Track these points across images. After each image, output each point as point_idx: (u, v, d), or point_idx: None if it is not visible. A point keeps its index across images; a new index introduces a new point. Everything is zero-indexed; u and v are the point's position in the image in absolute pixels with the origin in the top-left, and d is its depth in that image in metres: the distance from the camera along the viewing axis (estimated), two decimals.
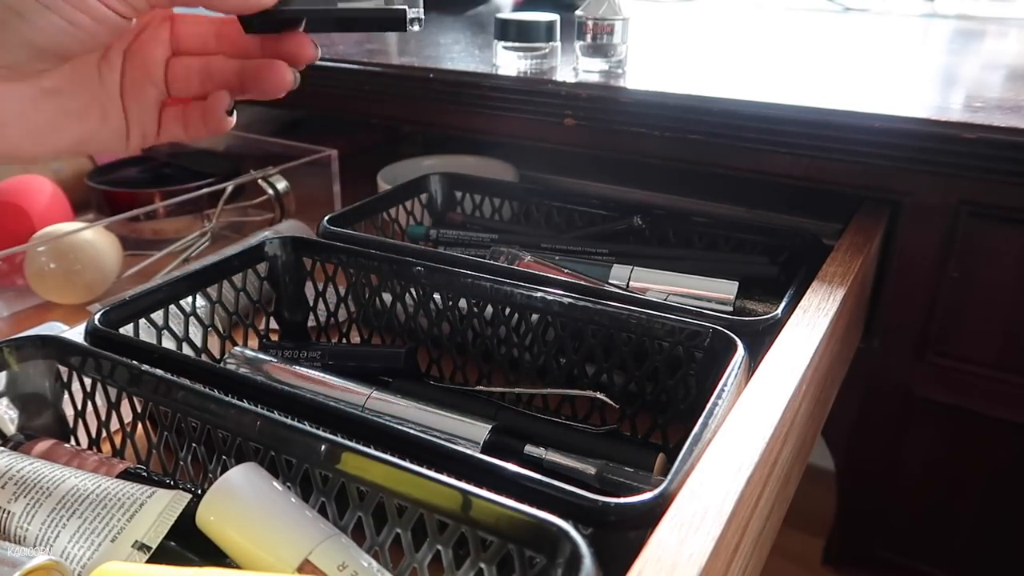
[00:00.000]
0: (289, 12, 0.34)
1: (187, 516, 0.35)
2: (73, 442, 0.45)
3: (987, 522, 0.69)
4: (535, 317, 0.51)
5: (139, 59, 0.37)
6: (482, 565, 0.31)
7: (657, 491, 0.30)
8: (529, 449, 0.42)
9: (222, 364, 0.50)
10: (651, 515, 0.30)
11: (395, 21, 0.34)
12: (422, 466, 0.32)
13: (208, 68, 0.38)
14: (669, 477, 0.31)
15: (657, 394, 0.48)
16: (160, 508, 0.35)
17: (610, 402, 0.47)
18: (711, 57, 0.84)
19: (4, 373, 0.43)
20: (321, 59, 0.39)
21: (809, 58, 0.83)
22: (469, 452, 0.34)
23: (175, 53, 0.38)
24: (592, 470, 0.40)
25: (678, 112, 0.63)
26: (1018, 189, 0.55)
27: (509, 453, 0.41)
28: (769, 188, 0.66)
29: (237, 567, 0.33)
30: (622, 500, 0.30)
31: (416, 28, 0.34)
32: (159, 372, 0.40)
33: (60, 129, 0.35)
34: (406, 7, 0.34)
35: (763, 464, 0.34)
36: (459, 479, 0.31)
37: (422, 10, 0.35)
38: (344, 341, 0.59)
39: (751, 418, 0.36)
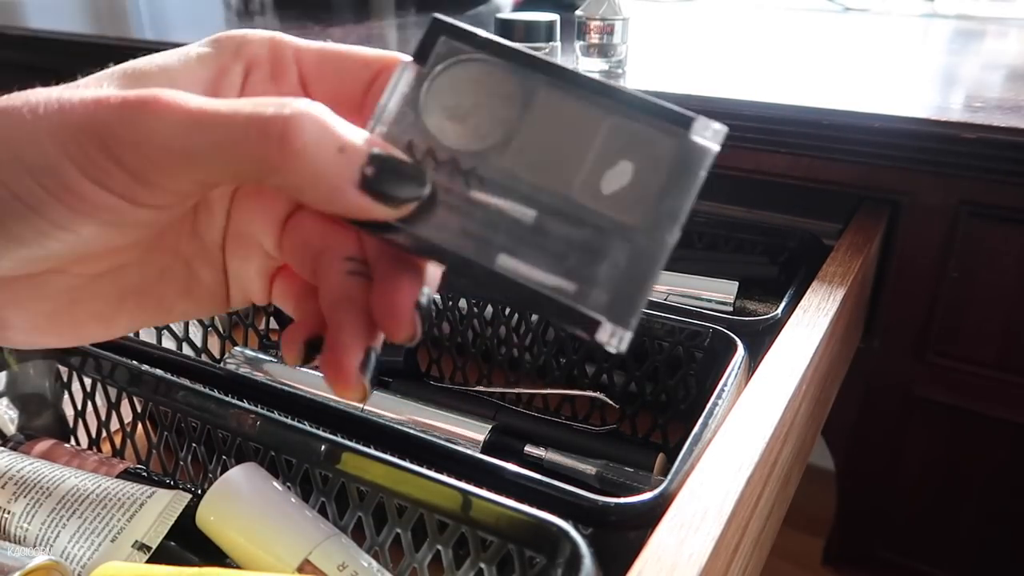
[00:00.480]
0: (410, 242, 0.21)
1: (187, 516, 0.35)
2: (73, 442, 0.45)
3: (987, 522, 0.69)
4: (535, 317, 0.51)
5: (250, 205, 0.24)
6: (482, 565, 0.31)
7: (657, 491, 0.30)
8: (529, 449, 0.42)
9: (222, 364, 0.50)
10: (651, 515, 0.30)
11: (580, 322, 0.21)
12: (422, 466, 0.32)
13: (326, 254, 0.23)
14: (669, 477, 0.31)
15: (657, 394, 0.48)
16: (160, 508, 0.35)
17: (610, 402, 0.47)
18: (711, 57, 0.84)
19: (4, 373, 0.43)
20: None
21: (809, 58, 0.83)
22: (469, 452, 0.34)
23: (298, 206, 0.24)
24: (592, 470, 0.40)
25: None
26: (1018, 189, 0.55)
27: (509, 453, 0.41)
28: (769, 188, 0.66)
29: (237, 567, 0.33)
30: (622, 500, 0.30)
31: (612, 349, 0.21)
32: (159, 372, 0.40)
33: (116, 314, 0.23)
34: (603, 318, 0.20)
35: (763, 464, 0.34)
36: (459, 479, 0.31)
37: (629, 332, 0.20)
38: None
39: (751, 418, 0.36)
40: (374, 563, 0.32)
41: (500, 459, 0.33)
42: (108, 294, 0.23)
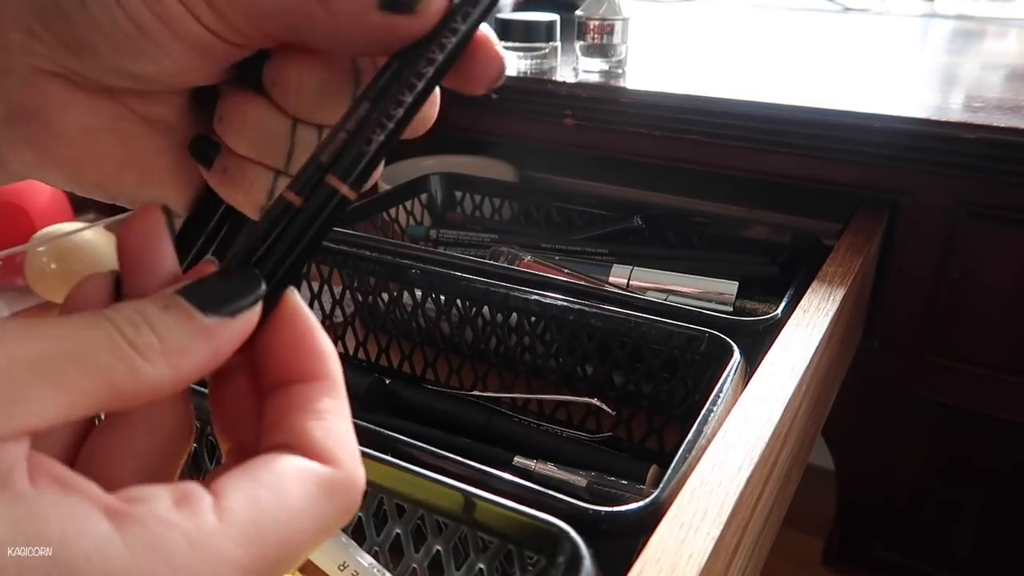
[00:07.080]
0: None
1: None
2: None
3: (987, 522, 0.69)
4: (532, 319, 0.51)
5: None
6: (482, 565, 0.31)
7: (649, 499, 0.30)
8: (519, 460, 0.42)
9: None
10: (642, 524, 0.29)
11: None
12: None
13: None
14: (660, 487, 0.31)
15: (654, 398, 0.48)
16: None
17: (606, 408, 0.47)
18: (711, 57, 0.84)
19: None
20: None
21: (809, 58, 0.83)
22: (462, 460, 0.34)
23: None
24: (583, 482, 0.40)
25: (678, 112, 0.63)
26: (1018, 189, 0.55)
27: (499, 463, 0.41)
28: (769, 188, 0.66)
29: None
30: (613, 509, 0.30)
31: None
32: None
33: (116, 171, 0.24)
34: None
35: (763, 464, 0.34)
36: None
37: None
38: (338, 343, 0.59)
39: (751, 418, 0.36)
40: (374, 563, 0.32)
41: (490, 469, 0.33)
42: (155, 145, 0.24)
